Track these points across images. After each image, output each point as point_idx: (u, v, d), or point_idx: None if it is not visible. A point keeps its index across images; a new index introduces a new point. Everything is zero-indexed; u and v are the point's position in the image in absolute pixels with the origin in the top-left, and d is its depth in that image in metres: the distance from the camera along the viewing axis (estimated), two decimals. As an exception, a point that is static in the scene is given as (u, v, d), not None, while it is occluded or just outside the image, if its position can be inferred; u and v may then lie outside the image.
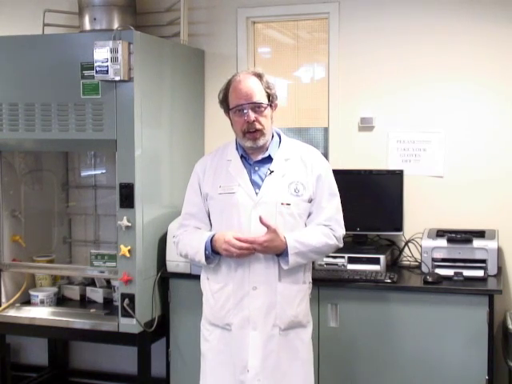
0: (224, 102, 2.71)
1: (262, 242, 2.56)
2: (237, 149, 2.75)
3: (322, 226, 2.71)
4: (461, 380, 3.21)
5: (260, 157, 2.71)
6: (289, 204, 2.65)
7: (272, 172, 2.68)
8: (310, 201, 2.71)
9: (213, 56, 4.08)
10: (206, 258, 2.67)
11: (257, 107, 2.62)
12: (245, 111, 2.62)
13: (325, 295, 3.34)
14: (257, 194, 2.66)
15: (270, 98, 2.67)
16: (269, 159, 2.71)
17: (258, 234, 2.61)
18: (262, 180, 2.68)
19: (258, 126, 2.63)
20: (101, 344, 4.12)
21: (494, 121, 3.68)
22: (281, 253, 2.62)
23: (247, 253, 2.58)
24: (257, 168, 2.71)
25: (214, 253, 2.66)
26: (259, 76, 2.68)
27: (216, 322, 2.72)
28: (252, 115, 2.61)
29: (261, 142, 2.65)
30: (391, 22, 3.78)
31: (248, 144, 2.66)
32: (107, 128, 3.37)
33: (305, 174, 2.71)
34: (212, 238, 2.65)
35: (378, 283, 3.29)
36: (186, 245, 2.75)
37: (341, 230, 2.77)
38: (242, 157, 2.73)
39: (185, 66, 3.91)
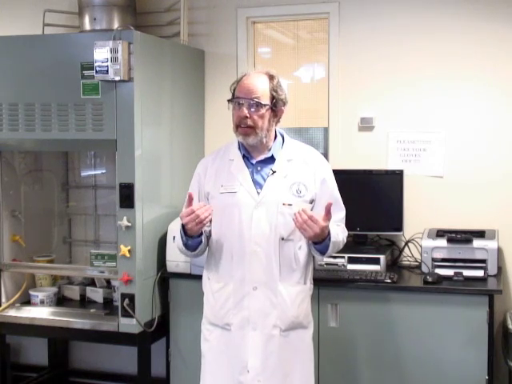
0: (233, 94, 2.69)
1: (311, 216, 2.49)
2: (239, 148, 2.74)
3: (337, 225, 2.72)
4: (461, 380, 3.21)
5: (262, 157, 2.70)
6: (290, 204, 2.63)
7: (274, 172, 2.68)
8: (311, 202, 2.70)
9: (213, 56, 4.08)
10: (184, 243, 2.66)
11: (254, 104, 2.61)
12: (241, 105, 2.62)
13: (325, 295, 3.34)
14: (258, 193, 2.65)
15: (274, 101, 2.65)
16: (271, 159, 2.70)
17: (259, 234, 2.62)
18: (264, 180, 2.68)
19: (250, 123, 2.61)
20: (101, 344, 4.13)
21: (494, 120, 3.68)
22: (319, 240, 2.59)
23: (203, 209, 2.53)
24: (259, 168, 2.70)
25: (188, 237, 2.63)
26: (271, 77, 2.66)
27: (216, 322, 2.72)
28: (245, 110, 2.60)
29: (251, 139, 2.63)
30: (391, 22, 3.78)
31: (239, 138, 2.67)
32: (107, 128, 3.37)
33: (307, 175, 2.70)
34: None
35: (377, 283, 3.29)
36: (177, 238, 2.74)
37: (347, 231, 2.81)
38: (244, 157, 2.73)
39: (185, 66, 3.91)
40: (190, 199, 2.57)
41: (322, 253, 2.66)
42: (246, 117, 2.60)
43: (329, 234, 2.59)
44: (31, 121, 3.50)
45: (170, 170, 3.72)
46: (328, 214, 2.52)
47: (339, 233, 2.70)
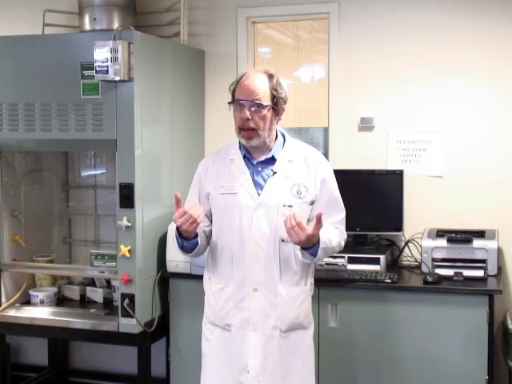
0: (233, 95, 2.67)
1: (299, 223, 2.46)
2: (240, 148, 2.73)
3: (335, 228, 2.71)
4: (461, 380, 3.21)
5: (263, 157, 2.69)
6: (291, 206, 2.62)
7: (275, 173, 2.66)
8: (312, 203, 2.69)
9: (213, 56, 4.08)
10: (179, 244, 2.65)
11: (256, 106, 2.59)
12: (242, 107, 2.60)
13: (325, 295, 3.34)
14: (259, 194, 2.64)
15: (275, 100, 2.63)
16: (272, 160, 2.69)
17: (259, 235, 2.61)
18: (265, 181, 2.67)
19: (252, 125, 2.59)
20: (101, 344, 4.12)
21: (494, 121, 3.68)
22: (308, 246, 2.57)
23: (195, 210, 2.51)
24: (260, 169, 2.69)
25: (182, 238, 2.62)
26: (270, 76, 2.64)
27: (216, 322, 2.72)
28: (247, 112, 2.58)
29: (254, 142, 2.62)
30: (391, 22, 3.78)
31: (242, 141, 2.66)
32: (107, 128, 3.37)
33: (308, 176, 2.69)
34: None
35: (377, 283, 3.29)
36: (174, 237, 2.73)
37: (345, 233, 2.79)
38: (244, 157, 2.71)
39: (185, 66, 3.91)
40: (178, 201, 2.55)
41: (312, 255, 2.61)
42: (248, 119, 2.59)
43: (318, 241, 2.56)
44: (31, 121, 3.50)
45: (169, 170, 3.72)
46: (318, 224, 2.50)
47: (332, 238, 2.65)
